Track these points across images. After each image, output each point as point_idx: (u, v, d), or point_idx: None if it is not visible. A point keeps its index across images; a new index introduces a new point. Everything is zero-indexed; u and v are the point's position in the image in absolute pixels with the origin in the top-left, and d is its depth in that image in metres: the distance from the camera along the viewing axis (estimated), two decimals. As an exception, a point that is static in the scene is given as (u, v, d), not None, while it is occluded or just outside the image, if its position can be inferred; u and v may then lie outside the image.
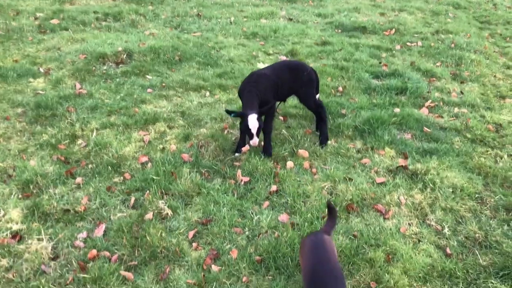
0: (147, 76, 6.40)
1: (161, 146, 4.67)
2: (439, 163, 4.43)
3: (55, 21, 8.38)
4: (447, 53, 7.80)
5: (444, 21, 10.01)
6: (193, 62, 7.01)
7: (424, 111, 5.59)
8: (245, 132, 4.22)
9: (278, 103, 5.11)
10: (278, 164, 4.39)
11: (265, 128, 4.44)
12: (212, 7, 10.41)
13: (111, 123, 5.04)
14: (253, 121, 4.08)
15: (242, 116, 4.19)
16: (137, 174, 4.19)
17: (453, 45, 8.20)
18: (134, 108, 5.40)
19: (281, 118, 5.33)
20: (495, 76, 7.08)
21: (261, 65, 6.96)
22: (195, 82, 6.26)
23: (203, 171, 4.26)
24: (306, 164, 4.38)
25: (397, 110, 5.51)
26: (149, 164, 4.33)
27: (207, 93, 5.99)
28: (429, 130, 5.14)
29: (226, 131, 4.95)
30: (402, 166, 4.31)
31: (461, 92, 6.25)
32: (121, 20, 8.94)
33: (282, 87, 4.52)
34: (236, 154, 4.52)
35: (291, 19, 9.76)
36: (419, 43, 8.34)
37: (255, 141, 4.15)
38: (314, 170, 4.30)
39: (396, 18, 9.98)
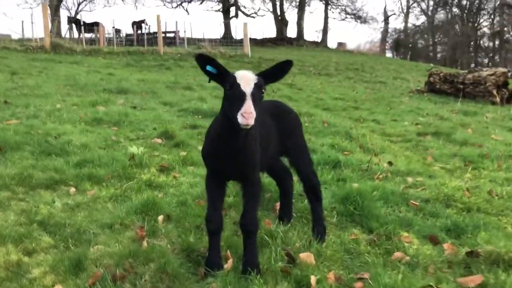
0: None
1: (25, 294, 2.11)
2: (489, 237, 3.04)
3: None
4: (328, 131, 7.08)
5: (294, 105, 9.58)
6: (25, 152, 4.44)
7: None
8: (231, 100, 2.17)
9: None
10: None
11: (247, 225, 2.41)
12: (19, 97, 7.79)
13: None
14: (249, 74, 2.21)
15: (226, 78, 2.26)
16: None
17: (326, 124, 7.59)
18: None
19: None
20: (392, 147, 6.50)
21: (134, 149, 4.84)
22: (44, 175, 3.75)
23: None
24: (330, 275, 2.43)
25: (355, 185, 4.10)
26: None
27: (72, 190, 3.56)
28: (416, 203, 3.83)
29: (145, 242, 2.67)
30: (470, 252, 2.73)
31: (390, 163, 5.30)
32: None
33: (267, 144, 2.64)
34: (210, 276, 2.32)
35: (135, 107, 7.85)
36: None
37: (248, 106, 2.07)
38: (359, 285, 2.36)
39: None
